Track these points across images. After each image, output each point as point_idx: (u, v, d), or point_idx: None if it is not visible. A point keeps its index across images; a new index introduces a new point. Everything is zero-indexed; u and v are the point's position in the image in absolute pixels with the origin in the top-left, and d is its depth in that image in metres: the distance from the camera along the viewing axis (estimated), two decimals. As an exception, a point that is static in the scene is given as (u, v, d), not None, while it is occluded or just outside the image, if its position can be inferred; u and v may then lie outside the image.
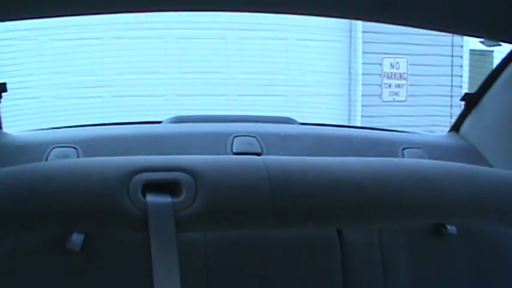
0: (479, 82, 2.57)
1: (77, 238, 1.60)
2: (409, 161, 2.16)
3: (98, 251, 1.65)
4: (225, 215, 1.70)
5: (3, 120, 2.37)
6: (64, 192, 1.63)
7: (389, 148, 2.43)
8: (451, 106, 10.06)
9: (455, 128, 2.64)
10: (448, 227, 1.82)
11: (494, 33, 2.12)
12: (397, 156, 2.40)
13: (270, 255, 1.75)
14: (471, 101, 2.53)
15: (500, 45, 2.64)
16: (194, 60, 9.40)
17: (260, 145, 2.36)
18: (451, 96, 10.10)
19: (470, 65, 10.47)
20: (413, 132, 2.83)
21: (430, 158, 2.35)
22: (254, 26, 9.16)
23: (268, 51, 9.63)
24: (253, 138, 2.38)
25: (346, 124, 9.00)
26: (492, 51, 9.97)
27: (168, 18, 8.65)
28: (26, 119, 8.51)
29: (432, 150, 2.44)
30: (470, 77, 10.40)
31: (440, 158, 2.26)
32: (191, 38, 9.36)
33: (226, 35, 9.52)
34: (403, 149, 2.44)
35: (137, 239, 1.63)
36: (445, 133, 2.75)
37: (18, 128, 2.72)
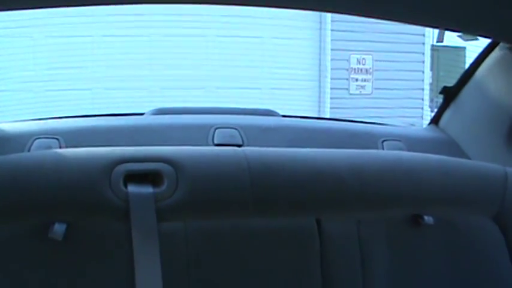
0: (453, 76, 2.42)
1: (59, 228, 1.51)
2: (388, 153, 2.05)
3: (80, 241, 1.56)
4: (206, 205, 1.61)
5: None
6: (46, 183, 1.53)
7: (369, 140, 2.29)
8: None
9: (435, 120, 2.50)
10: (425, 217, 1.74)
11: (472, 28, 1.99)
12: (376, 148, 2.27)
13: (250, 244, 1.66)
14: (450, 94, 2.38)
15: (477, 39, 2.49)
16: (177, 57, 9.53)
17: (241, 137, 2.21)
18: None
19: (443, 60, 10.67)
20: (392, 125, 2.70)
21: (409, 151, 2.21)
22: (231, 25, 9.39)
23: (245, 49, 9.75)
24: (234, 130, 2.24)
25: (323, 116, 9.21)
26: (464, 47, 10.13)
27: (153, 18, 8.77)
28: (23, 110, 8.54)
29: (411, 142, 2.32)
30: (446, 71, 10.67)
31: (419, 150, 2.12)
32: (174, 35, 9.47)
33: (206, 33, 9.60)
34: (383, 141, 2.30)
35: (119, 228, 1.55)
36: (424, 126, 2.61)
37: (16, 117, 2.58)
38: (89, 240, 1.58)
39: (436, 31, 9.93)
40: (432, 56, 10.63)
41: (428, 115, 9.81)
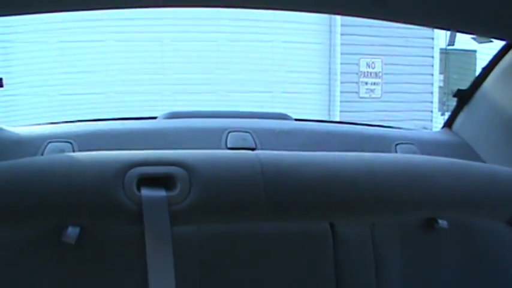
0: (465, 79, 2.38)
1: (72, 231, 1.52)
2: (401, 157, 2.02)
3: (93, 244, 1.56)
4: (219, 208, 1.61)
5: None
6: (60, 186, 1.53)
7: (383, 144, 2.25)
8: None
9: (448, 124, 2.46)
10: (440, 221, 1.73)
11: (485, 30, 2.00)
12: (390, 152, 2.23)
13: (263, 248, 1.66)
14: (463, 97, 2.35)
15: (491, 41, 2.45)
16: (189, 61, 9.52)
17: (254, 141, 2.17)
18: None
19: (454, 63, 10.64)
20: (406, 129, 2.65)
21: (423, 154, 2.19)
22: (242, 29, 9.38)
23: (255, 53, 9.75)
24: (247, 133, 2.19)
25: (335, 120, 9.18)
26: (475, 50, 10.08)
27: (165, 22, 8.77)
28: (37, 113, 8.60)
29: (425, 146, 2.27)
30: (457, 74, 10.69)
31: (433, 153, 2.11)
32: (186, 40, 9.48)
33: (217, 37, 9.60)
34: (396, 144, 2.25)
35: (132, 232, 1.55)
36: (435, 129, 2.56)
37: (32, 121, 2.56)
38: (102, 243, 1.57)
39: (448, 34, 9.89)
40: (443, 59, 10.59)
41: (439, 118, 9.78)
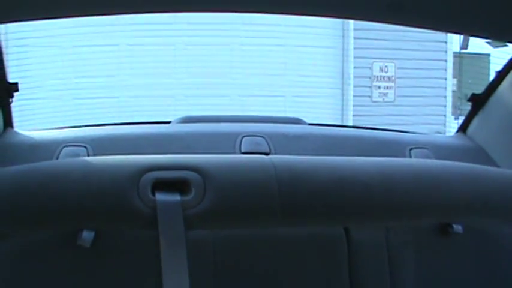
0: (478, 83, 2.37)
1: (87, 235, 1.53)
2: (416, 161, 2.00)
3: (107, 248, 1.59)
4: (234, 213, 1.59)
5: (14, 119, 2.23)
6: (75, 190, 1.52)
7: (397, 148, 2.23)
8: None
9: (463, 128, 2.44)
10: (454, 226, 1.73)
11: (500, 34, 1.95)
12: (404, 157, 2.20)
13: (278, 253, 1.67)
14: (478, 101, 2.33)
15: (506, 45, 2.43)
16: (202, 66, 9.51)
17: (268, 145, 2.16)
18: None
19: (467, 67, 10.61)
20: (420, 133, 2.63)
21: (437, 159, 2.16)
22: (255, 33, 9.38)
23: (268, 57, 9.72)
24: (261, 138, 2.18)
25: (349, 124, 9.16)
26: (489, 54, 10.03)
27: (178, 26, 8.78)
28: (52, 118, 8.67)
29: (439, 150, 2.25)
30: (471, 78, 10.62)
31: (447, 158, 2.08)
32: (199, 44, 9.45)
33: (230, 41, 9.61)
34: (411, 149, 2.23)
35: (146, 236, 1.56)
36: (452, 134, 2.55)
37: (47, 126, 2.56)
38: (116, 247, 1.59)
39: (461, 38, 9.85)
40: (456, 63, 10.54)
41: (452, 122, 9.74)
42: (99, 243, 1.54)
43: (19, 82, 2.11)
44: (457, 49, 10.41)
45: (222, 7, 1.90)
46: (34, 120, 8.52)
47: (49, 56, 9.15)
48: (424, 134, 2.70)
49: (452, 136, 2.53)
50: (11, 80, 2.10)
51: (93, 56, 9.15)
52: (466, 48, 10.40)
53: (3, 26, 8.48)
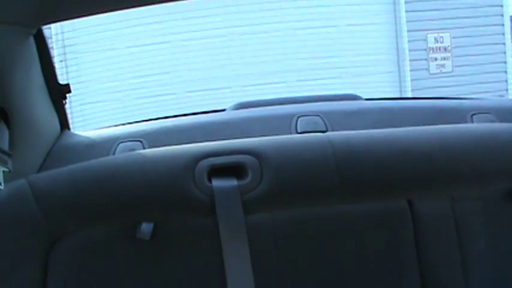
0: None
1: (146, 227, 1.53)
2: (478, 126, 1.92)
3: (167, 239, 1.58)
4: (292, 193, 1.58)
5: (70, 121, 2.24)
6: (131, 184, 1.55)
7: (458, 116, 2.12)
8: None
9: None
10: None
11: None
12: (465, 123, 2.10)
13: (340, 231, 1.63)
14: None
15: None
16: (256, 54, 9.47)
17: (325, 123, 2.10)
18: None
19: None
20: (482, 98, 2.50)
21: (502, 122, 2.04)
22: (306, 16, 9.29)
23: (321, 39, 9.58)
24: (317, 117, 2.12)
25: (407, 96, 8.99)
26: None
27: (228, 17, 8.81)
28: (113, 119, 8.71)
29: (503, 114, 2.12)
30: None
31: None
32: (251, 33, 9.42)
33: (281, 27, 9.49)
34: (472, 115, 2.13)
35: (206, 224, 1.55)
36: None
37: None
38: (176, 237, 1.59)
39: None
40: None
41: (514, 87, 9.53)
42: (159, 234, 1.55)
43: (73, 87, 2.12)
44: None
45: None
46: (95, 124, 8.65)
47: (104, 59, 9.27)
48: (486, 99, 2.59)
49: None
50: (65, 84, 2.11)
51: (147, 54, 9.23)
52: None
53: (59, 32, 8.66)
